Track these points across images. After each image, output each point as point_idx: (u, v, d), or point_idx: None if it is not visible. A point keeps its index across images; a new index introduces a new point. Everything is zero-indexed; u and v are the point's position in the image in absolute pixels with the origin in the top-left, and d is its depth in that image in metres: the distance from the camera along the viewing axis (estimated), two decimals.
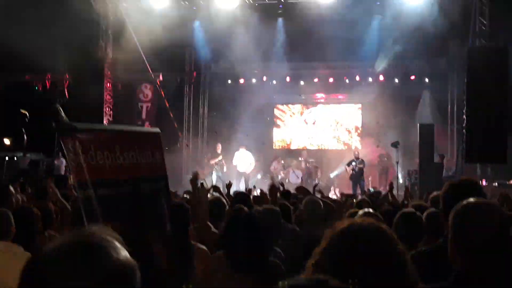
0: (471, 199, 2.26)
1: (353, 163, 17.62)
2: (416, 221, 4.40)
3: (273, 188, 6.29)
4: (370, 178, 18.53)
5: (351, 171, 17.65)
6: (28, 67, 18.87)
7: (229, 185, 8.15)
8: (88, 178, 3.02)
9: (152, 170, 3.71)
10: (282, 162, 19.54)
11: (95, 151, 3.12)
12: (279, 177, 18.60)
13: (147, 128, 3.76)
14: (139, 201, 3.49)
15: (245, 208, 4.69)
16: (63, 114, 2.87)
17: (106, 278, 1.29)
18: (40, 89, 19.79)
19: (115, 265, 1.31)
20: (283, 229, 5.16)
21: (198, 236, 5.04)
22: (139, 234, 3.46)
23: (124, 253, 1.36)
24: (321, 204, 5.95)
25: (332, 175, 18.79)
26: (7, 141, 16.40)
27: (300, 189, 8.87)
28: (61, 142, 2.89)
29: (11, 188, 5.96)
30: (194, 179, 6.40)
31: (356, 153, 18.04)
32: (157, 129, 3.96)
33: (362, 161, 17.64)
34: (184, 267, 4.04)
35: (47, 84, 19.85)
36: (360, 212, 4.79)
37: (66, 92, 19.77)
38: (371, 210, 4.93)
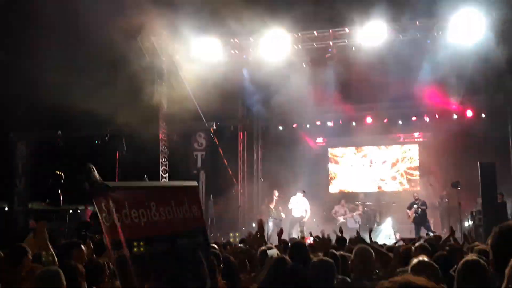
0: None
1: (415, 206, 17.01)
2: (480, 270, 4.10)
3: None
4: (432, 221, 17.82)
5: (413, 214, 17.03)
6: (87, 122, 19.60)
7: (280, 233, 7.99)
8: (122, 237, 3.00)
9: (190, 224, 3.67)
10: (345, 206, 19.13)
11: (130, 209, 3.11)
12: (339, 221, 18.18)
13: (184, 182, 3.74)
14: (176, 258, 3.43)
15: (287, 259, 4.56)
16: (96, 173, 2.87)
17: None
18: (99, 142, 20.45)
19: None
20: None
21: None
22: None
23: None
24: (373, 253, 5.71)
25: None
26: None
27: (354, 240, 8.55)
28: (94, 202, 2.89)
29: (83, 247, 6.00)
30: (261, 226, 6.39)
31: (415, 195, 17.45)
32: (194, 183, 3.93)
33: (424, 203, 17.01)
34: None
35: (106, 138, 20.49)
36: (415, 260, 4.57)
37: (124, 144, 20.34)
38: (425, 258, 4.67)
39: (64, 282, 4.25)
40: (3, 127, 20.89)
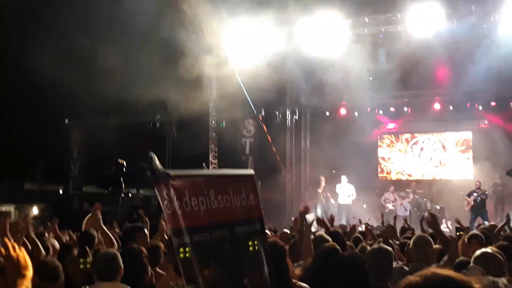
0: None
1: (474, 194, 16.56)
2: None
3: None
4: (485, 209, 17.35)
5: (472, 202, 16.59)
6: (139, 109, 19.97)
7: (331, 219, 7.94)
8: (183, 225, 3.05)
9: (247, 213, 3.68)
10: (395, 193, 18.87)
11: (190, 197, 3.16)
12: (388, 209, 17.99)
13: (241, 170, 3.77)
14: (235, 246, 3.47)
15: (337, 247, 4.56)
16: (157, 161, 2.92)
17: None
18: (150, 129, 20.82)
19: None
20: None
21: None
22: (236, 279, 3.45)
23: None
24: (431, 242, 5.61)
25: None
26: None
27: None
28: (156, 190, 2.95)
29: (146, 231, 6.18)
30: (305, 212, 6.33)
31: (478, 183, 16.93)
32: (251, 171, 3.95)
33: (485, 192, 16.53)
34: None
35: (157, 124, 20.83)
36: (477, 252, 4.47)
37: (175, 131, 20.62)
38: (488, 250, 4.55)
39: (121, 264, 4.37)
40: (59, 114, 21.58)
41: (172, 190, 3.03)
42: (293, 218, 6.91)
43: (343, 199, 17.74)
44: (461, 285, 1.52)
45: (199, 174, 3.50)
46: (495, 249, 4.52)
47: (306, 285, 4.22)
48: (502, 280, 3.22)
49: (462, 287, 1.52)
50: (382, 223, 10.51)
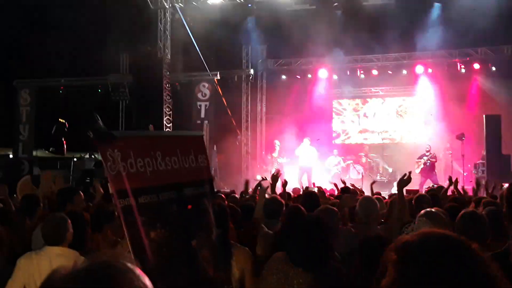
0: None
1: (425, 157, 16.96)
2: (479, 221, 4.14)
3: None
4: (434, 172, 17.85)
5: (422, 165, 16.99)
6: (89, 70, 19.45)
7: (284, 184, 7.97)
8: (128, 186, 2.97)
9: (196, 175, 3.63)
10: (338, 156, 19.12)
11: (135, 158, 3.07)
12: (335, 172, 18.25)
13: (189, 132, 3.68)
14: (183, 207, 3.42)
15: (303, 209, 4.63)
16: (101, 122, 2.82)
17: None
18: (102, 91, 20.34)
19: None
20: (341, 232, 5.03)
21: (250, 235, 4.99)
22: (184, 240, 3.42)
23: (146, 282, 1.26)
24: (377, 203, 5.74)
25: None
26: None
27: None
28: (99, 151, 2.85)
29: (81, 193, 6.11)
30: (275, 177, 6.43)
31: (428, 147, 17.32)
32: (200, 133, 3.88)
33: (434, 156, 16.95)
34: (225, 268, 3.98)
35: (109, 86, 20.37)
36: (422, 211, 4.55)
37: (127, 93, 20.24)
38: (433, 209, 4.66)
39: (70, 229, 4.31)
40: (7, 75, 20.75)
41: (116, 150, 2.94)
42: (244, 181, 6.87)
43: (304, 162, 17.76)
44: (457, 242, 1.52)
45: (145, 135, 3.41)
46: (440, 209, 4.62)
47: (245, 248, 4.24)
48: None
49: (457, 245, 1.51)
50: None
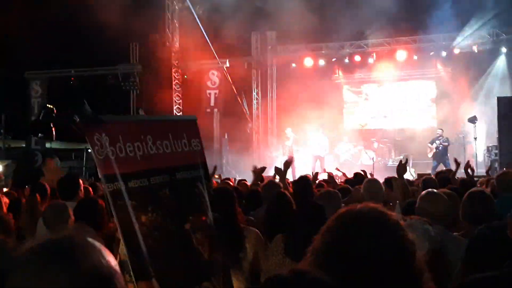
0: None
1: (437, 141, 16.79)
2: (484, 200, 4.13)
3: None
4: (447, 157, 17.68)
5: (435, 149, 16.85)
6: (99, 60, 19.50)
7: (286, 164, 7.30)
8: (117, 171, 2.95)
9: (190, 159, 3.60)
10: (348, 143, 19.04)
11: (124, 143, 3.04)
12: (342, 158, 18.20)
13: (182, 116, 3.66)
14: (175, 191, 3.40)
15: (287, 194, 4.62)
16: (87, 107, 2.79)
17: (85, 283, 1.20)
18: (113, 81, 20.39)
19: (95, 270, 1.24)
20: None
21: None
22: (177, 224, 3.39)
23: (110, 259, 1.28)
24: (382, 186, 5.72)
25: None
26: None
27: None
28: (86, 136, 2.83)
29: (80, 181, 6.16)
30: (288, 163, 6.42)
31: (439, 131, 17.15)
32: (193, 117, 3.84)
33: (447, 139, 16.77)
34: (234, 250, 3.98)
35: (119, 76, 20.42)
36: (423, 192, 4.51)
37: (138, 82, 20.26)
38: (434, 190, 4.62)
39: (71, 215, 4.38)
40: (17, 66, 20.88)
41: (104, 135, 2.91)
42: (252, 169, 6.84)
43: (316, 150, 17.70)
44: (380, 214, 1.63)
45: (135, 119, 3.38)
46: (444, 190, 4.58)
47: (255, 229, 4.24)
48: (437, 228, 3.28)
49: (380, 216, 1.62)
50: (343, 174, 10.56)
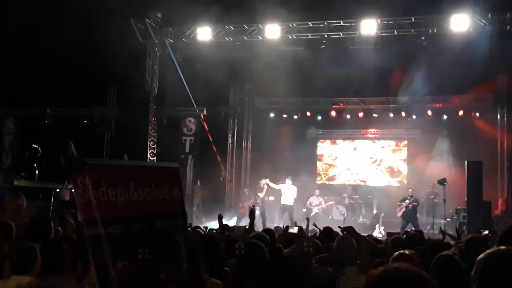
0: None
1: (407, 201, 16.99)
2: (452, 265, 4.17)
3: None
4: (416, 216, 17.85)
5: (404, 208, 17.01)
6: (75, 101, 19.43)
7: (219, 217, 7.73)
8: (97, 215, 2.94)
9: (169, 207, 3.60)
10: (320, 197, 19.04)
11: (107, 187, 3.05)
12: (313, 212, 18.14)
13: (165, 163, 3.65)
14: (153, 239, 3.38)
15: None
16: (74, 149, 2.80)
17: None
18: (88, 122, 20.29)
19: None
20: (314, 270, 5.00)
21: None
22: (152, 273, 3.36)
23: None
24: (354, 243, 5.72)
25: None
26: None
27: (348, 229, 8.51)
28: (69, 178, 2.83)
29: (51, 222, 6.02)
30: (252, 213, 6.44)
31: (410, 190, 17.40)
32: (176, 164, 3.86)
33: (417, 200, 16.99)
34: None
35: (95, 118, 20.35)
36: (396, 253, 4.55)
37: (113, 126, 20.20)
38: (406, 251, 4.66)
39: (38, 257, 4.24)
40: None
41: (87, 178, 2.91)
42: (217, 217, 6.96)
43: (285, 200, 17.69)
44: (419, 277, 1.57)
45: (119, 164, 3.39)
46: (412, 251, 4.62)
47: (218, 281, 4.18)
48: None
49: (419, 279, 1.57)
50: (307, 226, 10.54)
